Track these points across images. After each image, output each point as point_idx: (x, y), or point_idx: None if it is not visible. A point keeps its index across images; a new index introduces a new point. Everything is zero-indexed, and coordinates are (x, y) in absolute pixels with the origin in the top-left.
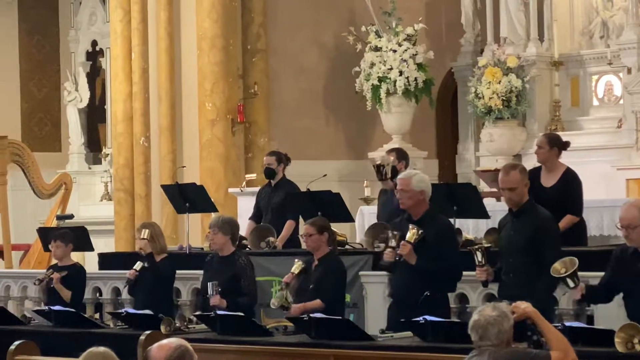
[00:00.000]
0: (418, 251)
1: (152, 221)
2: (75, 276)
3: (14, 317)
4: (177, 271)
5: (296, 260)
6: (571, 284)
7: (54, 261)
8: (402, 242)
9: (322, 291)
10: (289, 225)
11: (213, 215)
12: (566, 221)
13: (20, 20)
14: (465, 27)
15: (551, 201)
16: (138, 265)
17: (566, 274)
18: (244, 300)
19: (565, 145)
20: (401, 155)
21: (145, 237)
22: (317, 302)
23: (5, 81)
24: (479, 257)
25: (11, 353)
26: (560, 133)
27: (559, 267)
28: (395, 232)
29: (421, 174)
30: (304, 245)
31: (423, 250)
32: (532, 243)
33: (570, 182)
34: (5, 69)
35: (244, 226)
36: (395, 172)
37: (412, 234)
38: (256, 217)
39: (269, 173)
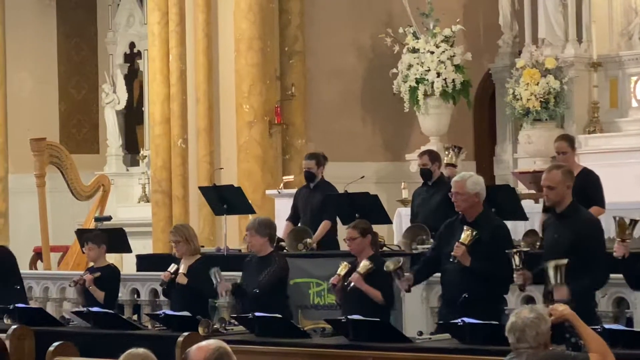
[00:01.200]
0: (472, 253)
1: (185, 223)
2: (108, 277)
3: (52, 318)
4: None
5: (341, 261)
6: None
7: (90, 263)
8: (457, 243)
9: (378, 289)
10: (324, 225)
11: (250, 217)
12: (593, 213)
13: (58, 23)
14: (503, 28)
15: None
16: (172, 267)
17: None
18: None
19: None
20: (434, 157)
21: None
22: (378, 293)
23: (44, 83)
24: (516, 260)
25: (50, 354)
26: (598, 135)
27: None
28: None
29: (475, 175)
30: (343, 247)
31: (477, 251)
32: (577, 245)
33: (589, 177)
34: (44, 71)
35: (283, 227)
36: (428, 173)
37: (466, 235)
38: (293, 218)
39: (309, 176)
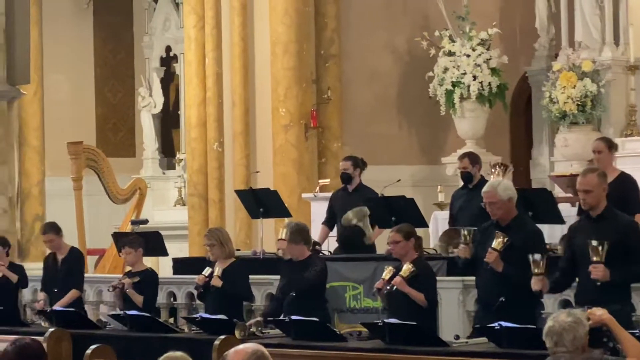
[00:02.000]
0: (505, 257)
1: (219, 226)
2: (146, 281)
3: (89, 321)
4: (251, 276)
5: (386, 266)
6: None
7: (128, 267)
8: (489, 249)
9: (421, 292)
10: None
11: (285, 221)
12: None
13: (95, 27)
14: (540, 31)
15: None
16: (207, 270)
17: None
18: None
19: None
20: (474, 159)
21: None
22: (421, 295)
23: (80, 87)
24: (539, 266)
25: (87, 357)
26: (635, 138)
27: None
28: (470, 229)
29: (504, 181)
30: (380, 251)
31: (510, 256)
32: (615, 248)
33: (627, 181)
34: (81, 75)
35: (319, 230)
36: (469, 176)
37: (498, 242)
38: (329, 222)
39: (346, 178)
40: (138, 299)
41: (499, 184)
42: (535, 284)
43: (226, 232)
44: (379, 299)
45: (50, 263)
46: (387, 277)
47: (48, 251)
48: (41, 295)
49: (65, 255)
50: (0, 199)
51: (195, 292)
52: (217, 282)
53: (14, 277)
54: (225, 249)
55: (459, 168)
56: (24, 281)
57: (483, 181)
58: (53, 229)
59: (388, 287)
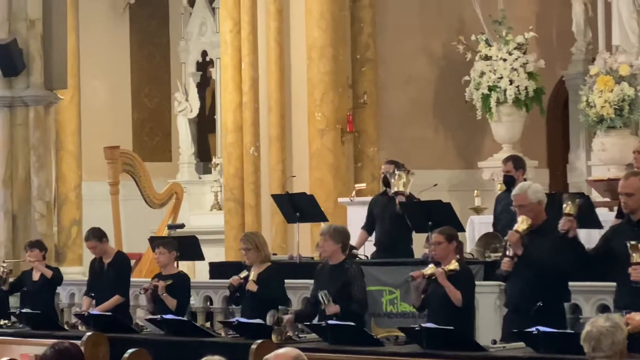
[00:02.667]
0: (533, 254)
1: (255, 231)
2: (180, 284)
3: (126, 325)
4: (287, 280)
5: (431, 264)
6: None
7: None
8: (510, 231)
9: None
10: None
11: (323, 225)
12: None
13: (131, 32)
14: (577, 35)
15: None
16: (243, 273)
17: None
18: (354, 307)
19: None
20: (517, 163)
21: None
22: (458, 293)
23: (117, 92)
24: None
25: None
26: None
27: None
28: (568, 198)
29: (534, 184)
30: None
31: (539, 256)
32: None
33: None
34: (117, 80)
35: (355, 235)
36: (511, 180)
37: (521, 221)
38: (368, 226)
39: (387, 181)
40: (171, 302)
41: (529, 187)
42: (564, 223)
43: (262, 236)
44: (411, 289)
45: (96, 267)
46: (427, 273)
47: (90, 255)
48: (85, 300)
49: (111, 260)
50: (38, 204)
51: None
52: (252, 286)
53: (48, 273)
54: (261, 253)
55: (502, 171)
56: (58, 277)
57: None
58: (95, 235)
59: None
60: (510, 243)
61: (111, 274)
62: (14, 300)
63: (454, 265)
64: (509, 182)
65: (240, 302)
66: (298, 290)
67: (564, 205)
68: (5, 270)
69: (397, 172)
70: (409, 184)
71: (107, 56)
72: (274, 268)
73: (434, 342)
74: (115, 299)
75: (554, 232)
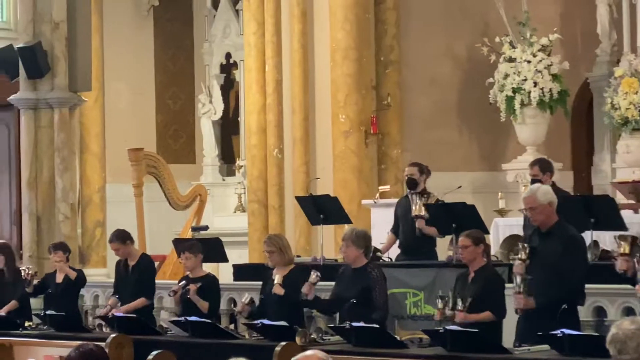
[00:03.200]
0: (544, 262)
1: (279, 233)
2: (210, 287)
3: (150, 327)
4: None
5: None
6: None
7: (186, 273)
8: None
9: (490, 303)
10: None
11: (346, 227)
12: None
13: (155, 34)
14: (601, 37)
15: None
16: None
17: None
18: (375, 316)
19: None
20: (544, 167)
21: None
22: (487, 314)
23: (141, 94)
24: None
25: None
26: None
27: None
28: (525, 245)
29: (543, 186)
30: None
31: (549, 263)
32: None
33: None
34: (141, 82)
35: (378, 237)
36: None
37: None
38: (395, 229)
39: (412, 183)
40: (203, 304)
41: (538, 189)
42: (621, 264)
43: (286, 238)
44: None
45: (122, 269)
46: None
47: (115, 257)
48: (111, 300)
49: (136, 262)
50: (62, 206)
51: (256, 299)
52: (278, 290)
53: (72, 274)
54: (285, 255)
55: (530, 175)
56: (82, 279)
57: (554, 188)
58: (118, 238)
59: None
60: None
61: (135, 276)
62: (37, 302)
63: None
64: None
65: (264, 305)
66: (322, 292)
67: (618, 246)
68: (30, 272)
69: (416, 200)
70: (427, 200)
71: (131, 58)
72: (298, 270)
73: (458, 345)
74: (140, 301)
75: (566, 234)
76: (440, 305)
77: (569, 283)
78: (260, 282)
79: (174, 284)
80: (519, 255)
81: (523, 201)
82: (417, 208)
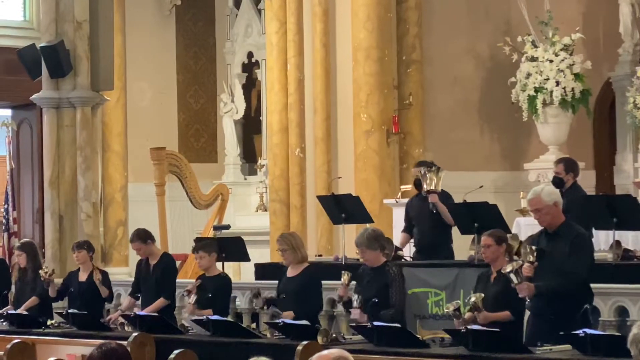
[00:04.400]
0: (551, 260)
1: (292, 231)
2: (221, 286)
3: (172, 326)
4: (333, 282)
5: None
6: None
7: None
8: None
9: (511, 303)
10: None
11: (367, 225)
12: None
13: (177, 33)
14: (624, 36)
15: None
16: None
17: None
18: (386, 314)
19: None
20: (569, 166)
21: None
22: (506, 314)
23: (163, 93)
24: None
25: None
26: None
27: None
28: (532, 247)
29: (547, 186)
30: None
31: (559, 262)
32: None
33: None
34: (163, 81)
35: (400, 237)
36: (560, 182)
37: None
38: (408, 229)
39: (419, 184)
40: (105, 291)
41: (542, 190)
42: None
43: (299, 236)
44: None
45: (143, 268)
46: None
47: (136, 257)
48: (127, 300)
49: (157, 262)
50: (84, 205)
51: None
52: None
53: (104, 292)
54: (298, 253)
55: (553, 172)
56: (110, 296)
57: (574, 189)
58: (139, 237)
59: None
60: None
61: (157, 275)
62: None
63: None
64: (558, 183)
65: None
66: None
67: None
68: (48, 272)
69: (427, 174)
70: (440, 180)
71: (153, 57)
72: (312, 269)
73: (480, 344)
74: (160, 302)
75: (573, 233)
76: (454, 313)
77: (574, 277)
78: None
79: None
80: (527, 258)
81: (527, 203)
82: (429, 183)
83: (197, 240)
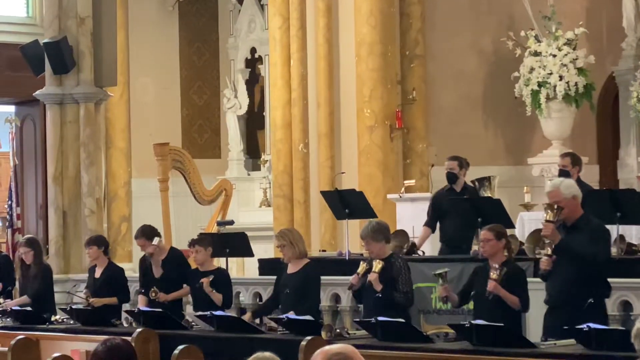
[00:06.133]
0: (571, 247)
1: (291, 227)
2: (221, 280)
3: (176, 322)
4: (337, 277)
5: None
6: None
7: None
8: (544, 222)
9: (515, 294)
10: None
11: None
12: None
13: (180, 29)
14: (627, 30)
15: None
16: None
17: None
18: (399, 297)
19: None
20: (575, 160)
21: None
22: (515, 299)
23: (166, 89)
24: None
25: (175, 357)
26: None
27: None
28: (549, 241)
29: (566, 180)
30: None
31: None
32: None
33: None
34: (167, 77)
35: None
36: (566, 175)
37: (550, 214)
38: (432, 223)
39: (452, 177)
40: (217, 297)
41: (561, 183)
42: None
43: (297, 232)
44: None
45: (148, 265)
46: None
47: (140, 252)
48: (141, 298)
49: (166, 257)
50: (88, 200)
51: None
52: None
53: (112, 301)
54: (296, 249)
55: (559, 165)
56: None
57: (579, 182)
58: (144, 234)
59: (487, 295)
60: (547, 236)
61: (167, 270)
62: (61, 297)
63: (380, 264)
64: (565, 176)
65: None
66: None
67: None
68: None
69: (463, 169)
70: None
71: (157, 53)
72: (312, 265)
73: (484, 339)
74: (185, 290)
75: (591, 225)
76: (441, 282)
77: (596, 276)
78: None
79: None
80: (545, 251)
81: (547, 195)
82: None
83: (201, 235)
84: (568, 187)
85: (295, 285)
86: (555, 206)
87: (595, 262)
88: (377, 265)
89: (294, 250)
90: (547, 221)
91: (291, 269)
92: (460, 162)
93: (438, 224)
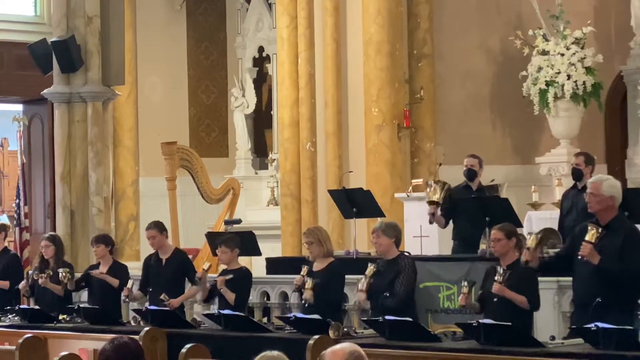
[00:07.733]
0: (604, 255)
1: (318, 225)
2: (240, 279)
3: (184, 321)
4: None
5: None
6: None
7: (223, 266)
8: (583, 242)
9: (525, 294)
10: None
11: (380, 219)
12: None
13: (188, 28)
14: (635, 29)
15: None
16: (304, 270)
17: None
18: (389, 302)
19: None
20: (589, 160)
21: None
22: (523, 298)
23: (174, 88)
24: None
25: (183, 356)
26: None
27: None
28: (531, 233)
29: (613, 179)
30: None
31: (610, 254)
32: None
33: None
34: (174, 76)
35: (411, 231)
36: (579, 174)
37: (592, 233)
38: (447, 214)
39: (471, 174)
40: (230, 296)
41: (607, 179)
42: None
43: (325, 231)
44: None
45: (153, 263)
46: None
47: (148, 251)
48: (137, 294)
49: (170, 256)
50: (95, 199)
51: (289, 292)
52: (309, 295)
53: (114, 282)
54: (324, 247)
55: (572, 164)
56: (123, 283)
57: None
58: (157, 226)
59: (492, 296)
60: (585, 256)
61: (171, 270)
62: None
63: (502, 273)
64: (578, 175)
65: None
66: (355, 285)
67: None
68: (68, 275)
69: (433, 185)
70: (447, 192)
71: (164, 52)
72: (337, 264)
73: (492, 338)
74: (194, 290)
75: (625, 227)
76: (465, 290)
77: (624, 274)
78: (294, 276)
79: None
80: (593, 232)
81: (588, 185)
82: (431, 194)
83: (209, 235)
84: (611, 186)
85: (319, 283)
86: (600, 229)
87: (630, 272)
88: (371, 269)
89: (321, 248)
90: (585, 241)
91: (316, 267)
92: (480, 160)
93: (451, 222)
